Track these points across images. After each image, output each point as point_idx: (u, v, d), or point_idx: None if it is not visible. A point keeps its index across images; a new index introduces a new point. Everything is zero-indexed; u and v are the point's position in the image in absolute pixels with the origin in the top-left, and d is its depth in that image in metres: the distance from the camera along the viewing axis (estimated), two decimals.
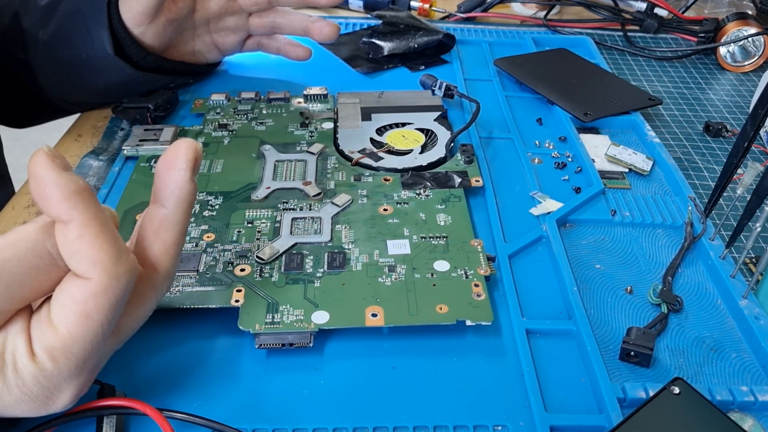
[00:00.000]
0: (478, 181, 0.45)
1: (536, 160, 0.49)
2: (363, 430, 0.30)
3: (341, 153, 0.47)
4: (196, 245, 0.38)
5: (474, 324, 0.34)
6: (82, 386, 0.27)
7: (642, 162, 0.48)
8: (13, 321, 0.25)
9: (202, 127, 0.50)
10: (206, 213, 0.41)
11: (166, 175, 0.27)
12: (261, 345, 0.33)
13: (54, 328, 0.25)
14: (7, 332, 0.25)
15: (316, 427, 0.30)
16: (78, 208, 0.24)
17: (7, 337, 0.25)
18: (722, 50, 0.67)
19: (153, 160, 0.46)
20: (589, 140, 0.51)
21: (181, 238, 0.28)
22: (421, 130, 0.50)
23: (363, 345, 0.34)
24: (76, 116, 0.55)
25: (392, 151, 0.48)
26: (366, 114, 0.52)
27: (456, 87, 0.55)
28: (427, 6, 0.73)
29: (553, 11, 0.75)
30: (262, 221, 0.40)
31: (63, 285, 0.25)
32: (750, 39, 0.66)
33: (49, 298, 0.26)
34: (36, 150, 0.24)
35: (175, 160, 0.27)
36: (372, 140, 0.49)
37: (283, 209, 0.41)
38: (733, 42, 0.66)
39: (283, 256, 0.37)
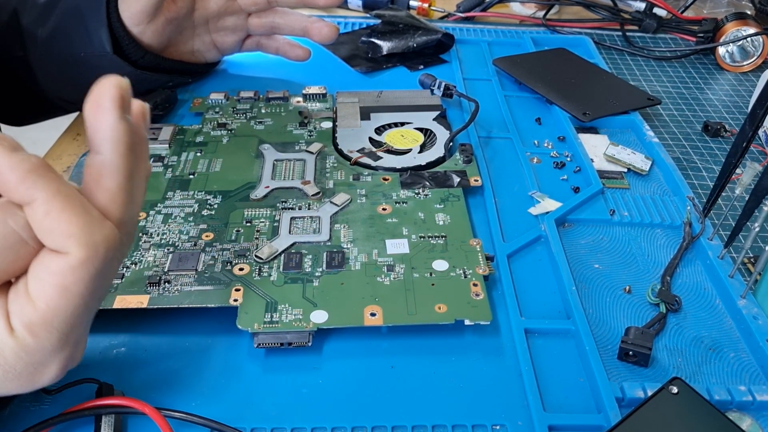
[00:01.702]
0: (477, 180, 0.45)
1: (535, 160, 0.49)
2: (361, 430, 0.30)
3: (340, 152, 0.47)
4: (195, 244, 0.38)
5: (473, 323, 0.34)
6: (68, 359, 0.26)
7: (641, 162, 0.48)
8: None
9: (200, 126, 0.50)
10: (205, 212, 0.41)
11: (95, 119, 0.25)
12: (260, 344, 0.33)
13: (32, 302, 0.24)
14: None
15: (314, 427, 0.30)
16: (37, 186, 0.23)
17: None
18: (721, 50, 0.67)
19: (152, 159, 0.46)
20: (587, 140, 0.51)
21: (126, 183, 0.25)
22: (420, 129, 0.50)
23: (362, 344, 0.34)
24: (74, 115, 0.55)
25: (391, 151, 0.48)
26: (365, 113, 0.52)
27: (455, 86, 0.55)
28: (426, 5, 0.73)
29: (552, 11, 0.75)
30: (261, 220, 0.40)
31: (40, 258, 0.24)
32: (749, 39, 0.66)
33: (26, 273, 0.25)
34: None
35: (100, 101, 0.25)
36: (371, 140, 0.49)
37: (282, 208, 0.41)
38: (732, 42, 0.66)
39: (282, 256, 0.37)
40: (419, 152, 0.47)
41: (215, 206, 0.42)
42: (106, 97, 0.25)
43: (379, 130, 0.50)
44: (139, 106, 0.27)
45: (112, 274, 0.26)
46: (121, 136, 0.25)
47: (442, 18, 0.74)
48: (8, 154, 0.23)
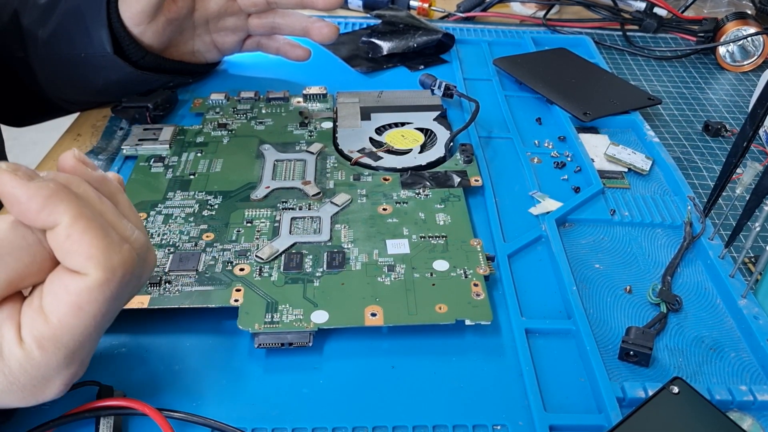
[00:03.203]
0: (478, 180, 0.45)
1: (535, 160, 0.49)
2: (362, 430, 0.30)
3: (340, 152, 0.47)
4: (196, 245, 0.38)
5: (473, 323, 0.34)
6: (72, 376, 0.26)
7: (641, 161, 0.48)
8: (1, 308, 0.25)
9: (201, 126, 0.50)
10: (205, 212, 0.41)
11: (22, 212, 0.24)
12: (260, 344, 0.33)
13: (45, 316, 0.24)
14: None
15: (315, 427, 0.30)
16: (58, 211, 0.23)
17: None
18: (721, 50, 0.67)
19: (152, 160, 0.46)
20: (588, 140, 0.51)
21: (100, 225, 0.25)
22: (421, 129, 0.50)
23: (362, 344, 0.34)
24: (75, 115, 0.55)
25: (391, 151, 0.48)
26: (365, 113, 0.52)
27: (455, 86, 0.55)
28: (426, 5, 0.73)
29: (553, 11, 0.75)
30: (262, 221, 0.40)
31: (57, 274, 0.25)
32: (749, 39, 0.66)
33: (41, 284, 0.25)
34: None
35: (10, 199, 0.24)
36: (371, 140, 0.49)
37: (283, 209, 0.41)
38: (733, 42, 0.66)
39: (283, 256, 0.37)
40: (420, 152, 0.47)
41: (216, 206, 0.42)
42: (6, 184, 0.24)
43: (380, 131, 0.50)
44: (67, 156, 0.27)
45: (126, 299, 0.27)
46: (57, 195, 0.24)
47: (442, 18, 0.74)
48: (25, 184, 0.23)
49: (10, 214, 0.24)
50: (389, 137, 0.49)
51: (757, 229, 0.36)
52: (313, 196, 0.42)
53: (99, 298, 0.24)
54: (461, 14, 0.74)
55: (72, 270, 0.24)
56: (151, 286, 0.35)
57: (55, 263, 0.25)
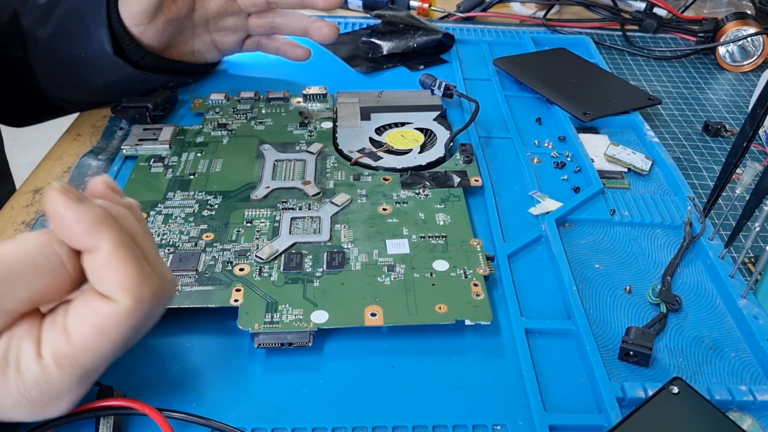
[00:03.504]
0: (478, 180, 0.45)
1: (535, 160, 0.49)
2: (362, 430, 0.30)
3: (340, 152, 0.47)
4: (195, 245, 0.38)
5: (473, 323, 0.34)
6: (79, 396, 0.27)
7: (641, 162, 0.48)
8: (20, 323, 0.25)
9: (201, 126, 0.50)
10: (205, 212, 0.41)
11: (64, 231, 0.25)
12: (260, 344, 0.33)
13: (67, 335, 0.25)
14: (12, 334, 0.25)
15: (315, 427, 0.30)
16: (102, 238, 0.24)
17: (12, 338, 0.25)
18: (721, 50, 0.67)
19: (152, 160, 0.46)
20: (588, 140, 0.51)
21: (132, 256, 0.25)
22: (421, 129, 0.50)
23: (362, 344, 0.34)
24: (75, 115, 0.55)
25: (391, 151, 0.48)
26: (365, 113, 0.52)
27: (455, 86, 0.55)
28: (426, 5, 0.73)
29: (553, 11, 0.75)
30: (262, 221, 0.40)
31: (86, 296, 0.25)
32: (749, 39, 0.66)
33: (64, 303, 0.26)
34: (48, 188, 0.24)
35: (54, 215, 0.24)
36: (371, 140, 0.49)
37: (283, 209, 0.41)
38: (732, 42, 0.66)
39: (283, 256, 0.37)
40: (419, 152, 0.47)
41: (216, 206, 0.42)
42: (58, 205, 0.24)
43: (380, 131, 0.50)
44: (98, 182, 0.27)
45: (146, 329, 0.27)
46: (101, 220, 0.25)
47: (442, 18, 0.74)
48: (76, 207, 0.24)
49: (55, 232, 0.25)
50: (389, 137, 0.49)
51: (757, 229, 0.36)
52: (313, 196, 0.42)
53: (123, 325, 0.25)
54: (461, 14, 0.74)
55: (102, 295, 0.25)
56: None
57: (76, 285, 0.26)
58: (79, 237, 0.24)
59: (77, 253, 0.25)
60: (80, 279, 0.26)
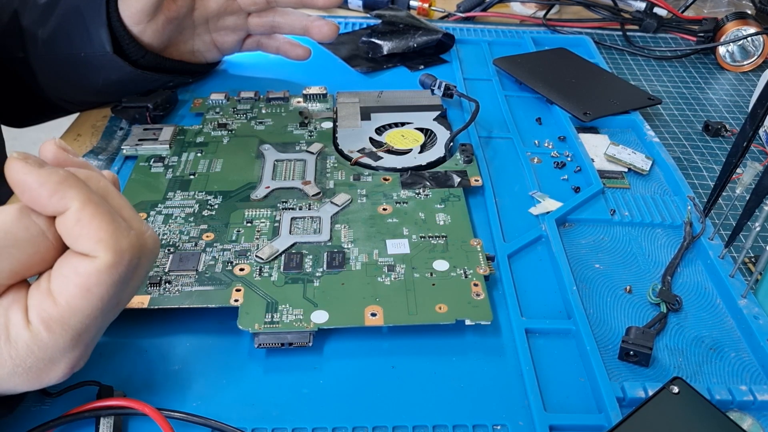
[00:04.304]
0: (478, 180, 0.45)
1: (535, 160, 0.49)
2: (362, 430, 0.30)
3: (340, 152, 0.47)
4: (196, 245, 0.38)
5: (473, 323, 0.34)
6: (77, 360, 0.27)
7: (641, 161, 0.48)
8: (6, 294, 0.25)
9: (201, 126, 0.50)
10: (205, 212, 0.41)
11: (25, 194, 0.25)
12: (260, 344, 0.33)
13: (53, 298, 0.25)
14: None
15: (315, 427, 0.30)
16: (68, 197, 0.24)
17: None
18: (721, 50, 0.67)
19: (152, 160, 0.46)
20: (588, 140, 0.51)
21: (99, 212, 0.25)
22: (421, 129, 0.50)
23: (362, 344, 0.34)
24: (75, 115, 0.55)
25: (391, 151, 0.48)
26: (365, 113, 0.52)
27: (455, 86, 0.55)
28: (426, 5, 0.73)
29: (553, 11, 0.75)
30: (262, 221, 0.40)
31: (66, 258, 0.25)
32: (749, 38, 0.66)
33: (49, 271, 0.26)
34: (8, 160, 0.24)
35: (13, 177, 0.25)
36: (371, 140, 0.49)
37: (283, 209, 0.41)
38: (733, 41, 0.66)
39: (283, 256, 0.37)
40: (420, 152, 0.47)
41: (216, 206, 0.42)
42: (18, 172, 0.24)
43: (380, 130, 0.50)
44: (49, 144, 0.27)
45: (131, 288, 0.27)
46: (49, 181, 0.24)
47: (442, 18, 0.74)
48: (37, 171, 0.24)
49: (21, 200, 0.25)
50: (389, 137, 0.49)
51: (757, 229, 0.36)
52: (313, 196, 0.42)
53: (107, 281, 0.25)
54: (461, 14, 0.74)
55: (81, 253, 0.25)
56: (151, 287, 0.35)
57: (59, 253, 0.26)
58: (46, 200, 0.24)
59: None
60: (62, 247, 0.26)
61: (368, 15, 0.73)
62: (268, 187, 0.43)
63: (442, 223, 0.40)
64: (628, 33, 0.72)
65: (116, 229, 0.25)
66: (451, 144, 0.48)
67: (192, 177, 0.44)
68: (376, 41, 0.63)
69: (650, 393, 0.31)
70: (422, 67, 0.62)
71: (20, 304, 0.25)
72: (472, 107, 0.51)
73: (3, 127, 0.59)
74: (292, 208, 0.41)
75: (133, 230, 0.26)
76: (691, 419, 0.28)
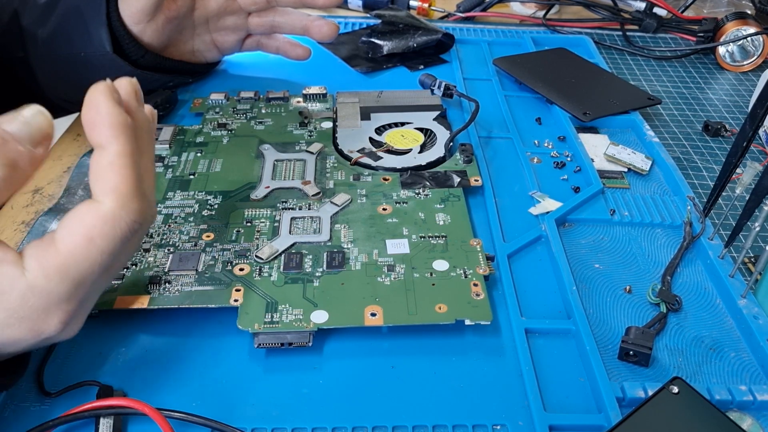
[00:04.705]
0: (477, 180, 0.45)
1: (535, 160, 0.49)
2: (362, 430, 0.30)
3: (340, 152, 0.47)
4: (195, 245, 0.38)
5: (473, 323, 0.34)
6: (70, 315, 0.27)
7: (641, 161, 0.48)
8: None
9: (201, 126, 0.50)
10: (205, 212, 0.41)
11: (90, 113, 0.27)
12: (260, 344, 0.33)
13: (55, 246, 0.25)
14: None
15: (315, 427, 0.30)
16: (118, 139, 0.26)
17: None
18: (721, 50, 0.67)
19: None
20: (588, 140, 0.51)
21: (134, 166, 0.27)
22: (421, 129, 0.50)
23: (362, 344, 0.34)
24: (74, 115, 0.55)
25: (391, 151, 0.48)
26: (365, 113, 0.52)
27: (455, 86, 0.55)
28: (426, 5, 0.73)
29: (553, 11, 0.75)
30: (261, 221, 0.40)
31: (74, 210, 0.26)
32: (749, 38, 0.66)
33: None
34: (100, 82, 0.27)
35: (93, 100, 0.27)
36: (371, 140, 0.49)
37: (282, 208, 0.41)
38: (732, 41, 0.66)
39: (282, 256, 0.37)
40: (419, 152, 0.47)
41: (215, 206, 0.42)
42: (98, 93, 0.27)
43: (380, 130, 0.50)
44: (126, 83, 0.30)
45: (126, 253, 0.28)
46: (118, 121, 0.27)
47: (442, 18, 0.74)
48: (113, 103, 0.26)
49: (83, 116, 0.27)
50: (389, 137, 0.49)
51: (757, 229, 0.36)
52: (313, 196, 0.42)
53: (109, 233, 0.26)
54: (461, 14, 0.74)
55: (89, 205, 0.26)
56: (150, 287, 0.35)
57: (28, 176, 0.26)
58: (100, 127, 0.26)
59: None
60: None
61: (368, 15, 0.73)
62: (268, 187, 0.43)
63: (441, 223, 0.40)
64: (627, 33, 0.72)
65: (135, 188, 0.26)
66: (451, 144, 0.48)
67: (192, 177, 0.44)
68: (376, 41, 0.63)
69: (650, 393, 0.31)
70: (422, 67, 0.62)
71: (8, 258, 0.25)
72: (472, 107, 0.51)
73: None
74: (292, 208, 0.41)
75: (145, 199, 0.27)
76: (691, 419, 0.28)
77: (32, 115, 0.26)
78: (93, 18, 0.47)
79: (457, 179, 0.44)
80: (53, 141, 0.28)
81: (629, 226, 0.43)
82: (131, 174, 0.26)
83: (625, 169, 0.48)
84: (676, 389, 0.29)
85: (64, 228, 0.26)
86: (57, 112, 0.57)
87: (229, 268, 0.37)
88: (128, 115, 0.28)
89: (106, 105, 0.26)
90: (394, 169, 0.45)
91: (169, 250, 0.38)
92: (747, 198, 0.38)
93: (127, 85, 0.29)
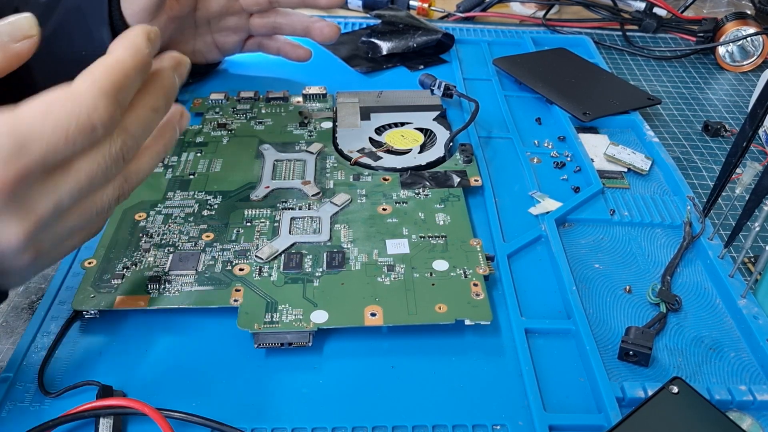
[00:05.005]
0: (477, 180, 0.45)
1: (535, 160, 0.49)
2: (362, 430, 0.30)
3: (340, 152, 0.47)
4: (195, 245, 0.38)
5: (473, 323, 0.34)
6: (20, 237, 0.25)
7: (641, 161, 0.48)
8: None
9: (201, 126, 0.50)
10: (205, 212, 0.41)
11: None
12: (260, 344, 0.33)
13: (13, 109, 0.25)
14: None
15: (315, 427, 0.30)
16: (126, 50, 0.27)
17: None
18: (721, 50, 0.67)
19: None
20: (588, 140, 0.51)
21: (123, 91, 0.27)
22: (420, 129, 0.50)
23: (362, 344, 0.34)
24: None
25: (391, 151, 0.48)
26: (365, 113, 0.52)
27: (455, 86, 0.55)
28: (426, 5, 0.73)
29: (552, 11, 0.76)
30: (261, 221, 0.40)
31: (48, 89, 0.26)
32: (749, 39, 0.66)
33: None
34: (141, 26, 0.28)
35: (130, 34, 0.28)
36: (371, 140, 0.49)
37: (282, 208, 0.41)
38: (732, 42, 0.66)
39: (282, 256, 0.37)
40: (419, 152, 0.48)
41: (215, 206, 0.42)
42: (139, 27, 0.28)
43: (379, 130, 0.50)
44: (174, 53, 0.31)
45: (87, 168, 0.26)
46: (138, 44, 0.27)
47: (442, 18, 0.74)
48: (142, 35, 0.28)
49: (117, 42, 0.28)
50: (389, 137, 0.49)
51: (757, 229, 0.36)
52: (313, 196, 0.42)
53: (68, 109, 0.24)
54: (461, 14, 0.74)
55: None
56: (150, 287, 0.35)
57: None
58: (117, 40, 0.28)
59: None
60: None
61: (368, 15, 0.73)
62: (268, 186, 0.43)
63: (441, 223, 0.40)
64: (627, 33, 0.72)
65: (114, 91, 0.26)
66: (451, 144, 0.48)
67: (192, 177, 0.44)
68: (376, 41, 0.63)
69: (650, 393, 0.31)
70: (422, 67, 0.62)
71: None
72: (472, 107, 0.51)
73: None
74: (292, 208, 0.41)
75: (123, 120, 0.27)
76: (691, 419, 0.28)
77: (16, 18, 0.26)
78: (94, 17, 0.47)
79: (457, 179, 0.44)
80: (36, 42, 0.29)
81: (629, 226, 0.43)
82: (118, 78, 0.26)
83: (625, 169, 0.48)
84: (675, 389, 0.29)
85: (28, 99, 0.25)
86: None
87: (229, 268, 0.37)
88: (154, 63, 0.28)
89: (134, 31, 0.27)
90: (394, 169, 0.45)
91: (169, 250, 0.38)
92: (747, 198, 0.38)
93: (174, 53, 0.30)
